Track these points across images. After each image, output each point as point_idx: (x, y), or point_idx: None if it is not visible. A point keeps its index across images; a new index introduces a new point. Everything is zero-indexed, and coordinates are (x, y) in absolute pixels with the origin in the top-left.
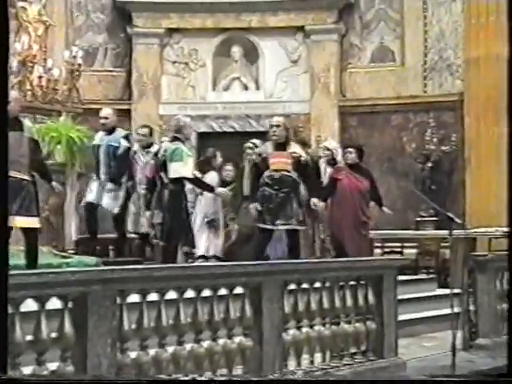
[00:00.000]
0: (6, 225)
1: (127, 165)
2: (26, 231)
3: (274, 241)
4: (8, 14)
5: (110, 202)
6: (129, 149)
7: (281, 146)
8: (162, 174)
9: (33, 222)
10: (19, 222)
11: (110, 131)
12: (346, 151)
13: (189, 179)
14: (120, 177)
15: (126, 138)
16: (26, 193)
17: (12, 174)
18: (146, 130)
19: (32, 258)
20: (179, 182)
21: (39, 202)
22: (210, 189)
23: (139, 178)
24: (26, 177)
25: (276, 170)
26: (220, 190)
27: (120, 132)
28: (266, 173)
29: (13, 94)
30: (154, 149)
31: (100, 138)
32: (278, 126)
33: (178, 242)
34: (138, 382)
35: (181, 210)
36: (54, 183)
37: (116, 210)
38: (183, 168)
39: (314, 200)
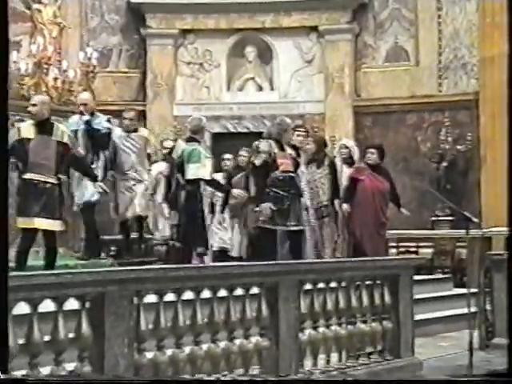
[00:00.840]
0: (7, 225)
1: (105, 146)
2: (46, 233)
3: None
4: (8, 14)
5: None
6: (109, 131)
7: (282, 147)
8: (179, 176)
9: (54, 225)
10: (38, 223)
11: (90, 116)
12: (368, 151)
13: (206, 181)
14: (97, 159)
15: (108, 121)
16: (48, 195)
17: (34, 176)
18: (132, 114)
19: (51, 260)
20: (196, 183)
21: (64, 206)
22: (227, 191)
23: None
24: (50, 180)
25: (284, 171)
26: (236, 191)
27: (102, 116)
28: (276, 173)
29: (39, 97)
30: (142, 132)
31: (76, 122)
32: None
33: (194, 244)
34: (137, 382)
35: (197, 212)
36: (98, 183)
37: (95, 197)
38: (201, 169)
39: (345, 206)
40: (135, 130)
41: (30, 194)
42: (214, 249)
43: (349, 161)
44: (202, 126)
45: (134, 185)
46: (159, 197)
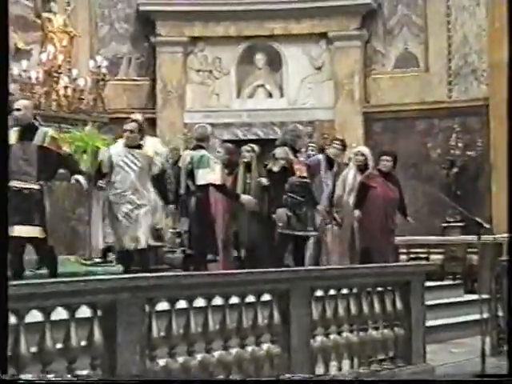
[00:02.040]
0: (6, 230)
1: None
2: (32, 241)
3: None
4: (8, 16)
5: None
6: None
7: (296, 153)
8: (189, 182)
9: (33, 232)
10: (18, 230)
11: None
12: (383, 159)
13: (216, 186)
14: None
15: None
16: (28, 202)
17: (14, 183)
18: (133, 125)
19: (49, 268)
20: (205, 188)
21: (45, 212)
22: (236, 196)
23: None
24: (31, 186)
25: (302, 177)
26: (245, 197)
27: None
28: (293, 179)
29: (23, 102)
30: (147, 150)
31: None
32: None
33: (205, 250)
34: (136, 382)
35: (207, 218)
36: (75, 176)
37: None
38: (210, 174)
39: (356, 212)
40: (139, 146)
41: (11, 201)
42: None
43: (362, 168)
44: (208, 133)
45: (131, 210)
46: None
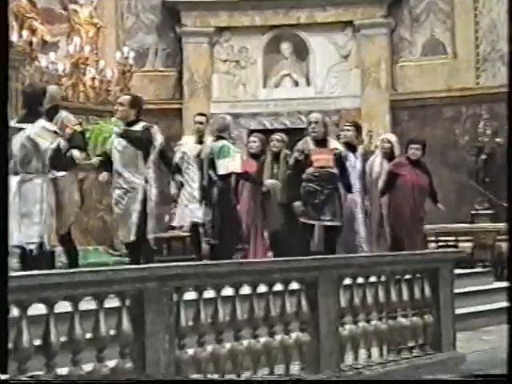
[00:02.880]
0: (7, 225)
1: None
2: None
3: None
4: (8, 14)
5: None
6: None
7: (321, 142)
8: (211, 172)
9: None
10: None
11: None
12: (412, 147)
13: (238, 174)
14: None
15: None
16: None
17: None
18: (126, 98)
19: (71, 259)
20: (228, 178)
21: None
22: (259, 182)
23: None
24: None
25: (320, 167)
26: (268, 181)
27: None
28: (310, 169)
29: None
30: (138, 127)
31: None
32: (316, 122)
33: (229, 239)
34: (135, 382)
35: (230, 207)
36: (72, 151)
37: None
38: (231, 163)
39: (382, 199)
40: (132, 123)
41: None
42: None
43: (389, 155)
44: (227, 123)
45: (120, 196)
46: None
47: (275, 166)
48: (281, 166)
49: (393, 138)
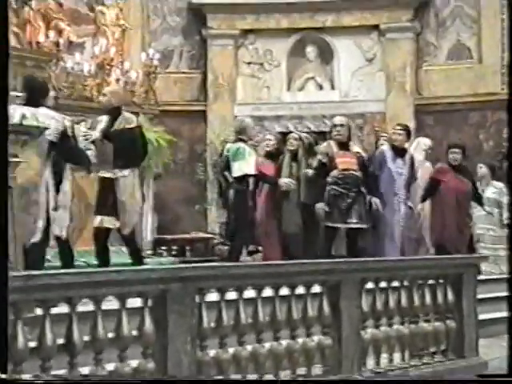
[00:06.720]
0: (6, 225)
1: None
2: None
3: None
4: (8, 13)
5: None
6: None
7: (344, 146)
8: (227, 174)
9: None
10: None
11: None
12: (452, 151)
13: (254, 176)
14: None
15: None
16: None
17: None
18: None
19: (100, 259)
20: (244, 180)
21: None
22: (274, 181)
23: None
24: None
25: (345, 169)
26: (282, 180)
27: None
28: (335, 172)
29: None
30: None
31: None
32: (341, 125)
33: (244, 241)
34: (134, 383)
35: (246, 209)
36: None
37: None
38: (245, 165)
39: (420, 206)
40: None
41: None
42: None
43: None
44: (244, 126)
45: None
46: None
47: (293, 165)
48: (299, 165)
49: (428, 142)
